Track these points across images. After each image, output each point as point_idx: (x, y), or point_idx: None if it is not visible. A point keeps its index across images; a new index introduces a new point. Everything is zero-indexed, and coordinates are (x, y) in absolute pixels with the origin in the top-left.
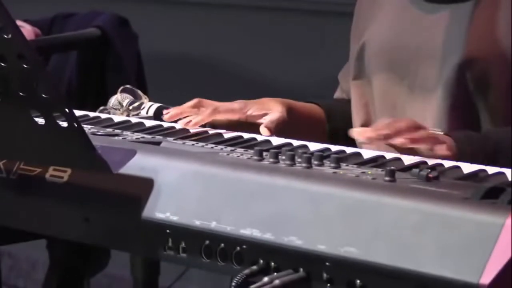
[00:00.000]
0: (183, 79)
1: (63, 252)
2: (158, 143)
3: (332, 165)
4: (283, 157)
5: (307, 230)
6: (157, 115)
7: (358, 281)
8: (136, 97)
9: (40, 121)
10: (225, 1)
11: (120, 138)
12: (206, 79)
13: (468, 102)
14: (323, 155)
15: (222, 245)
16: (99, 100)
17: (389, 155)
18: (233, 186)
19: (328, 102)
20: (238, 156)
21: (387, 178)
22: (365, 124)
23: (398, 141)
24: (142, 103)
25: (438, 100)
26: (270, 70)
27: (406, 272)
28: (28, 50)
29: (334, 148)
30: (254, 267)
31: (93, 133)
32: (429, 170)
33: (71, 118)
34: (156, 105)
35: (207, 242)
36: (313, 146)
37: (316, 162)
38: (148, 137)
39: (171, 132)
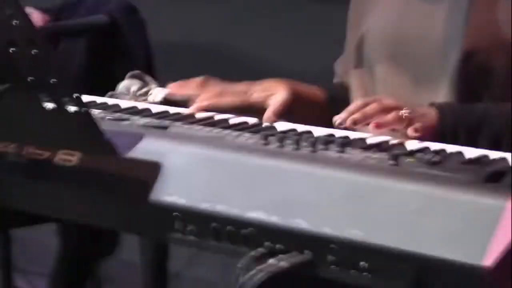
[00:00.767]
0: (192, 66)
1: (73, 237)
2: (165, 128)
3: (337, 149)
4: (289, 141)
5: (312, 213)
6: (165, 101)
7: (362, 263)
8: (145, 83)
9: (49, 105)
10: None
11: (129, 122)
12: (214, 66)
13: (474, 91)
14: (328, 140)
15: (229, 227)
16: (108, 86)
17: (393, 140)
18: (240, 169)
19: (331, 87)
20: (244, 141)
21: (391, 162)
22: None
23: (367, 126)
24: (150, 89)
25: (443, 90)
26: (280, 58)
27: (409, 254)
28: (37, 36)
29: (339, 133)
30: (261, 249)
31: (102, 118)
32: (433, 154)
33: (79, 103)
34: (164, 90)
35: (214, 224)
36: (318, 132)
37: (321, 146)
38: (155, 121)
39: (178, 117)
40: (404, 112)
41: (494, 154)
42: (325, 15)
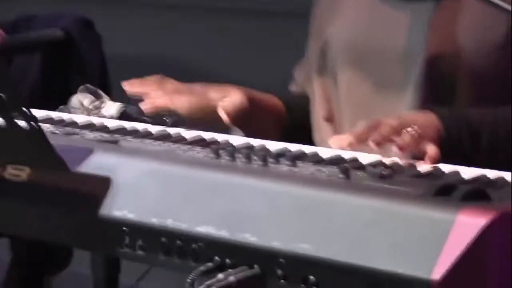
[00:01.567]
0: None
1: (25, 251)
2: (116, 142)
3: (288, 163)
4: (240, 155)
5: (262, 227)
6: (118, 115)
7: (312, 277)
8: (97, 97)
9: None
10: (187, 3)
11: (79, 137)
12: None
13: (439, 101)
14: (279, 153)
15: (178, 242)
16: (62, 101)
17: (346, 154)
18: (190, 184)
19: (289, 96)
20: (195, 155)
21: (341, 176)
22: (328, 119)
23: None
24: (103, 103)
25: (408, 99)
26: (232, 70)
27: (359, 268)
28: None
29: (291, 146)
30: (210, 264)
31: (52, 132)
32: (384, 168)
33: (29, 117)
34: (117, 104)
35: (163, 239)
36: (270, 145)
37: (272, 160)
38: (107, 136)
39: (130, 131)
40: (414, 131)
41: (446, 167)
42: (274, 26)
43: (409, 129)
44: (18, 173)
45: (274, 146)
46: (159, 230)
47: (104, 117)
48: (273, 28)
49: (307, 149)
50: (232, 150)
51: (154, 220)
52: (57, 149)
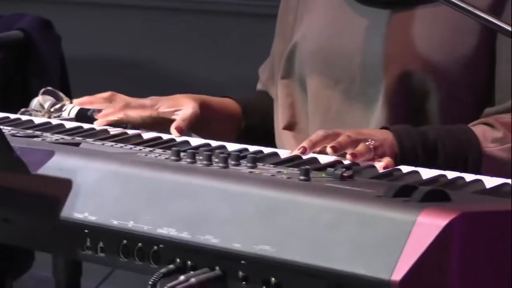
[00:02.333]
0: (106, 81)
1: None
2: (77, 144)
3: (249, 164)
4: (200, 157)
5: (223, 229)
6: (79, 117)
7: (273, 279)
8: (58, 99)
9: None
10: (147, 3)
11: (40, 139)
12: (129, 81)
13: (410, 110)
14: (240, 155)
15: (140, 244)
16: (22, 102)
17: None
18: (151, 186)
19: (246, 97)
20: (156, 157)
21: (302, 177)
22: (290, 125)
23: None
24: (63, 105)
25: (379, 108)
26: (193, 70)
27: (319, 269)
28: None
29: (252, 148)
30: (171, 266)
31: (13, 135)
32: (344, 169)
33: None
34: (78, 107)
35: (124, 241)
36: (231, 146)
37: (232, 162)
38: (68, 138)
39: (91, 134)
40: (370, 143)
41: (406, 168)
42: (244, 29)
43: (366, 142)
44: None
45: (234, 147)
46: (120, 232)
47: (65, 119)
48: (240, 29)
49: (267, 150)
50: (193, 152)
51: (115, 223)
52: (18, 152)
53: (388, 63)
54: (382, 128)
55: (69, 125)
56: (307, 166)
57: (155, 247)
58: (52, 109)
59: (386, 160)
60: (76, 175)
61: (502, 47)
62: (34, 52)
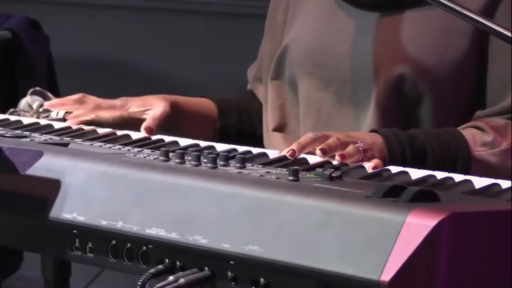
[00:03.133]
0: (94, 81)
1: None
2: (65, 145)
3: (238, 165)
4: (189, 158)
5: (211, 229)
6: (67, 118)
7: (262, 279)
8: (46, 99)
9: None
10: (136, 4)
11: (28, 139)
12: (117, 82)
13: (401, 112)
14: (228, 156)
15: (129, 245)
16: (9, 103)
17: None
18: (139, 186)
19: (224, 98)
20: (144, 157)
21: (290, 178)
22: (279, 127)
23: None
24: None
25: (370, 110)
26: (181, 71)
27: (308, 269)
28: None
29: (241, 148)
30: (160, 267)
31: (1, 135)
32: (333, 169)
33: None
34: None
35: (113, 242)
36: (220, 147)
37: (221, 163)
38: (56, 138)
39: (79, 134)
40: (359, 145)
41: (394, 169)
42: (230, 29)
43: (357, 144)
44: None
45: (223, 148)
46: (109, 232)
47: (54, 119)
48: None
49: (256, 151)
50: (182, 153)
51: (104, 223)
52: (6, 152)
53: (378, 66)
54: (372, 131)
55: (57, 125)
56: (296, 167)
57: (144, 248)
58: (40, 110)
59: (375, 161)
60: (65, 175)
61: (495, 49)
62: (22, 52)
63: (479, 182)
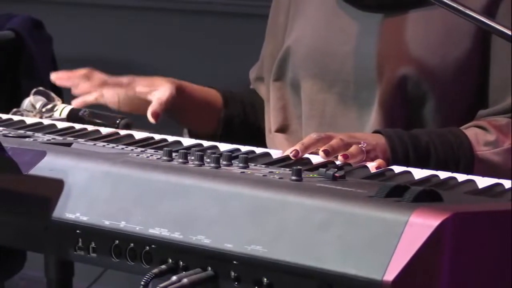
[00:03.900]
0: None
1: None
2: (68, 144)
3: (241, 165)
4: (192, 158)
5: (214, 229)
6: (70, 117)
7: (265, 279)
8: (50, 99)
9: None
10: (139, 4)
11: (31, 139)
12: None
13: (405, 113)
14: (231, 155)
15: (132, 244)
16: (12, 103)
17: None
18: (142, 186)
19: (229, 90)
20: (147, 157)
21: (293, 178)
22: (282, 129)
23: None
24: (55, 105)
25: (374, 111)
26: (183, 71)
27: (311, 269)
28: None
29: (244, 148)
30: (163, 266)
31: (4, 135)
32: (336, 169)
33: None
34: (69, 107)
35: (116, 242)
36: (223, 147)
37: (224, 162)
38: (59, 138)
39: (82, 134)
40: (362, 146)
41: (398, 169)
42: (232, 30)
43: (360, 145)
44: None
45: (226, 147)
46: (112, 232)
47: (57, 119)
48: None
49: (259, 151)
50: (185, 152)
51: (107, 223)
52: (9, 152)
53: (381, 66)
54: (375, 132)
55: (60, 125)
56: (299, 167)
57: (147, 248)
58: (43, 109)
59: (378, 161)
60: (68, 175)
61: (497, 48)
62: (25, 52)
63: (482, 182)
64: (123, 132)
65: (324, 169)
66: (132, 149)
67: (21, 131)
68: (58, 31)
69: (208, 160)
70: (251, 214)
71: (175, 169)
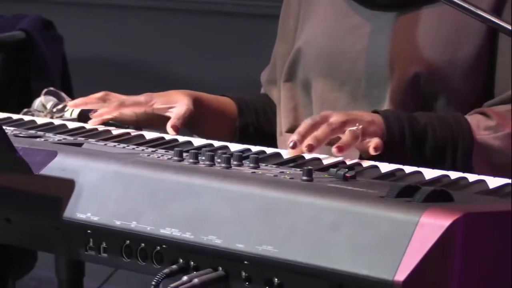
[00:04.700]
0: (108, 81)
1: None
2: (79, 145)
3: (251, 165)
4: (203, 158)
5: (225, 229)
6: (81, 118)
7: (275, 279)
8: (60, 100)
9: None
10: (148, 4)
11: (42, 139)
12: (130, 82)
13: (416, 110)
14: (242, 156)
15: (142, 244)
16: (23, 103)
17: (308, 156)
18: (153, 186)
19: (242, 97)
20: (158, 157)
21: (304, 178)
22: (293, 128)
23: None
24: (66, 106)
25: (381, 107)
26: (194, 72)
27: (322, 270)
28: None
29: (255, 148)
30: (174, 267)
31: (15, 135)
32: (347, 169)
33: None
34: None
35: (127, 242)
36: (234, 147)
37: (235, 163)
38: (70, 138)
39: (93, 134)
40: (356, 128)
41: (409, 169)
42: (244, 30)
43: (353, 127)
44: None
45: (236, 148)
46: (123, 232)
47: (68, 119)
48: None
49: (270, 151)
50: (195, 153)
51: (117, 223)
52: (21, 152)
53: (393, 64)
54: (373, 112)
55: (71, 125)
56: (309, 167)
57: (158, 248)
58: (54, 110)
59: (374, 141)
60: (79, 175)
61: (503, 42)
62: (35, 52)
63: (493, 182)
64: (134, 132)
65: (335, 169)
66: (142, 149)
67: (32, 131)
68: (68, 31)
69: (219, 160)
70: (262, 214)
71: (186, 169)
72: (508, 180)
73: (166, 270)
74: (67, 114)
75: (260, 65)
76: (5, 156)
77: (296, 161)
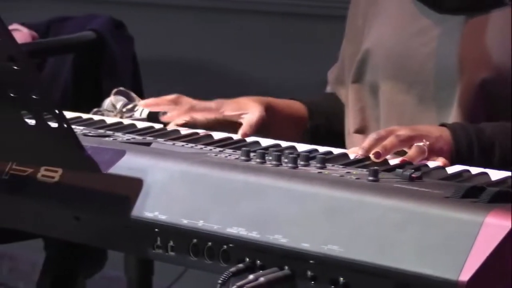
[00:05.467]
0: (178, 82)
1: (57, 252)
2: (148, 144)
3: (318, 165)
4: (270, 158)
5: (291, 229)
6: (151, 118)
7: (341, 278)
8: (130, 99)
9: (31, 121)
10: (219, 5)
11: (111, 139)
12: (200, 82)
13: (485, 113)
14: (309, 156)
15: (209, 243)
16: (94, 102)
17: None
18: (220, 185)
19: (311, 99)
20: (226, 157)
21: (370, 178)
22: (360, 130)
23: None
24: (135, 105)
25: (453, 111)
26: (263, 73)
27: (387, 269)
28: (18, 52)
29: (322, 149)
30: (240, 265)
31: (85, 134)
32: (413, 170)
33: (61, 118)
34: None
35: (194, 240)
36: (301, 147)
37: (302, 163)
38: (139, 138)
39: (162, 134)
40: (424, 144)
41: (475, 170)
42: (313, 31)
43: (420, 143)
44: (51, 174)
45: (304, 148)
46: (190, 231)
47: (137, 119)
48: (309, 31)
49: (337, 151)
50: (263, 153)
51: (185, 222)
52: (89, 151)
53: (462, 67)
54: (440, 125)
55: (140, 125)
56: (376, 167)
57: (225, 246)
58: (124, 109)
59: (441, 161)
60: (147, 174)
61: None
62: (106, 52)
63: None
64: (202, 132)
65: (401, 170)
66: (210, 149)
67: (101, 131)
68: (139, 32)
69: (286, 160)
70: (328, 214)
71: (253, 169)
72: None
73: (233, 269)
74: (136, 114)
75: (326, 65)
76: (73, 155)
77: (363, 162)
